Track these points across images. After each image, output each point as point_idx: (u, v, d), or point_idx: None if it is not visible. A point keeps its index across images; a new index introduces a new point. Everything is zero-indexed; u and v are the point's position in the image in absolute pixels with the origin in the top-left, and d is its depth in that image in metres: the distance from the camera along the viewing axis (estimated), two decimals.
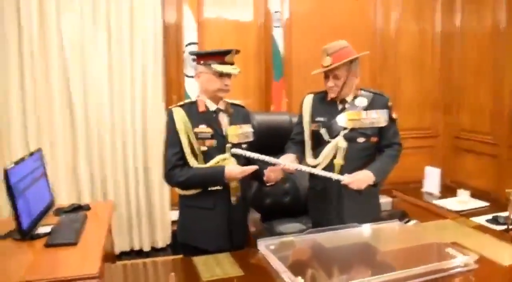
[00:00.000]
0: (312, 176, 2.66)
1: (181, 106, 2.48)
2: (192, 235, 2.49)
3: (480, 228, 2.61)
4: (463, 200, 3.95)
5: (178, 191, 2.54)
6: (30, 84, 3.73)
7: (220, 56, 2.42)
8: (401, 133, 4.94)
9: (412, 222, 3.60)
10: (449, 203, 3.89)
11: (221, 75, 2.42)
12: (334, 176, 2.47)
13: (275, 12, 4.33)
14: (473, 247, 2.17)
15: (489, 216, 3.44)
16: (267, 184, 2.55)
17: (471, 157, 4.99)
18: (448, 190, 4.38)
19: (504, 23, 4.49)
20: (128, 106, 4.03)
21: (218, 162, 2.42)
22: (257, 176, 2.53)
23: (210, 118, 2.47)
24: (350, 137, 2.53)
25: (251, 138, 2.60)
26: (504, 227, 3.18)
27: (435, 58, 5.29)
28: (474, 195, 4.08)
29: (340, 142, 2.52)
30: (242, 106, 2.72)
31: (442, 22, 5.24)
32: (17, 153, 3.63)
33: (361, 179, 2.44)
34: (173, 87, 4.27)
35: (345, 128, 2.53)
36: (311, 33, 4.58)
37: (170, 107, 2.52)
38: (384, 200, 4.66)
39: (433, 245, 2.25)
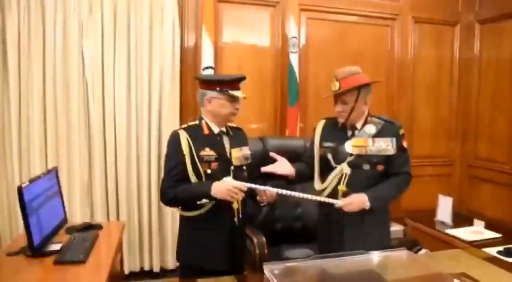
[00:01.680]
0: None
1: (185, 129, 2.52)
2: (196, 256, 2.50)
3: (491, 259, 2.57)
4: (476, 230, 3.90)
5: (182, 212, 2.58)
6: (51, 104, 3.85)
7: (237, 82, 2.50)
8: (415, 161, 4.97)
9: (422, 251, 3.57)
10: (462, 233, 3.84)
11: (234, 100, 2.49)
12: (328, 200, 2.47)
13: (292, 37, 4.37)
14: (482, 279, 2.14)
15: (501, 248, 3.39)
16: (261, 204, 2.59)
17: (487, 186, 4.93)
18: (463, 219, 4.33)
19: None
20: (145, 128, 4.10)
21: None
22: (251, 195, 2.56)
23: (214, 141, 2.50)
24: (355, 164, 2.52)
25: (250, 160, 2.65)
26: None
27: (452, 86, 5.30)
28: (489, 225, 4.02)
29: (344, 168, 2.52)
30: (240, 129, 2.77)
31: (460, 49, 5.25)
32: (36, 170, 3.75)
33: (353, 202, 2.44)
34: (189, 110, 4.31)
35: (351, 155, 2.53)
36: (328, 59, 4.61)
37: (175, 129, 2.56)
38: (396, 228, 4.62)
39: (440, 275, 2.21)
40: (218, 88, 2.47)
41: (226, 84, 2.47)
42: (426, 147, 5.21)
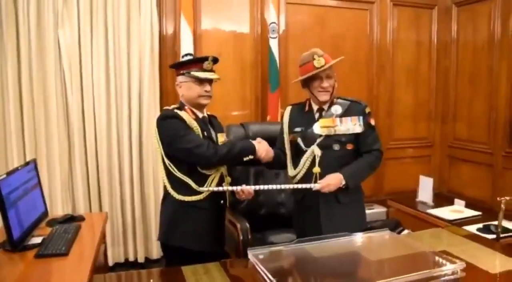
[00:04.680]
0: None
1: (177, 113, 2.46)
2: (185, 237, 2.46)
3: (471, 236, 2.62)
4: (456, 209, 3.97)
5: (179, 197, 2.45)
6: (28, 95, 3.76)
7: (198, 63, 2.49)
8: (396, 143, 5.05)
9: (405, 232, 3.61)
10: (443, 212, 3.90)
11: (201, 81, 2.47)
12: (305, 185, 2.49)
13: (272, 23, 4.35)
14: (462, 255, 2.17)
15: (481, 225, 3.45)
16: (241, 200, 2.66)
17: (466, 166, 5.02)
18: (443, 199, 4.39)
19: (499, 33, 4.54)
20: (125, 117, 4.06)
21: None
22: (232, 192, 2.58)
23: (201, 125, 2.49)
24: (324, 145, 2.54)
25: None
26: (494, 236, 3.19)
27: (431, 68, 5.34)
28: (469, 204, 4.08)
29: (315, 150, 2.53)
30: (215, 117, 2.77)
31: (438, 33, 5.29)
32: (14, 163, 3.67)
33: (330, 182, 2.45)
34: (169, 98, 4.26)
35: (320, 136, 2.54)
36: (308, 44, 4.52)
37: (169, 108, 2.55)
38: (378, 210, 4.68)
39: (421, 253, 2.25)
40: (181, 72, 2.50)
41: (189, 66, 2.48)
42: (406, 129, 5.27)
